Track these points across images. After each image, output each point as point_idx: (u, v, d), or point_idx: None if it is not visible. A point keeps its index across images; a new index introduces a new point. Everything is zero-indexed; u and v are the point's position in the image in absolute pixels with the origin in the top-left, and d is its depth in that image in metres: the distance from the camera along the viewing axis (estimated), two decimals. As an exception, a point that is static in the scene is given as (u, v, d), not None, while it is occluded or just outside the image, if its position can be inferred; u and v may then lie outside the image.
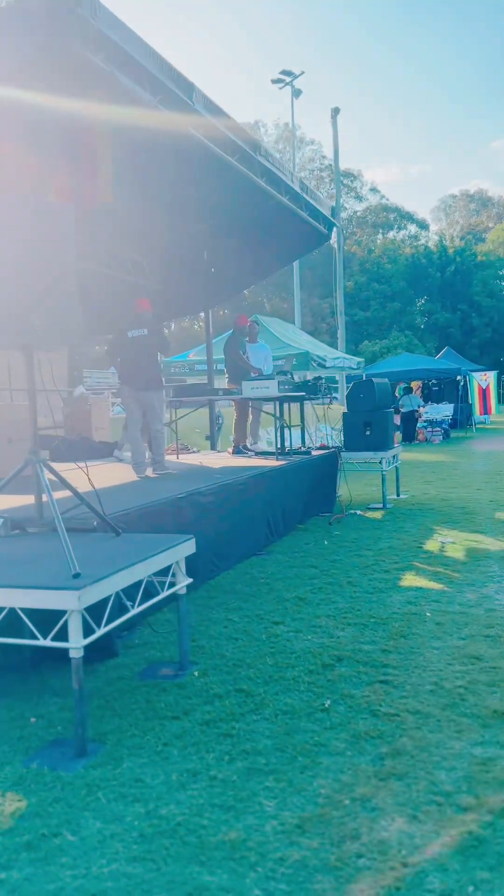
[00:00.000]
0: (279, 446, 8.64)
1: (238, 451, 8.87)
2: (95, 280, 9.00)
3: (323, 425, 15.97)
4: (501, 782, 2.65)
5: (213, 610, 4.97)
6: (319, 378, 8.93)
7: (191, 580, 3.95)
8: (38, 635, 3.00)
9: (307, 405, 9.26)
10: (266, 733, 3.10)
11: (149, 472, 6.89)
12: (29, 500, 4.24)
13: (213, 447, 10.45)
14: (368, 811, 2.51)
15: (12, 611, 2.99)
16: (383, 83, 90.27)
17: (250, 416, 9.16)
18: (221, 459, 8.54)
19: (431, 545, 6.68)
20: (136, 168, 6.62)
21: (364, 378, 18.53)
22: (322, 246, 10.29)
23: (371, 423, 8.85)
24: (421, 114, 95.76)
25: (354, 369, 16.09)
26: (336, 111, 36.01)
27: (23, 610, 2.99)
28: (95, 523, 4.11)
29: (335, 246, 34.08)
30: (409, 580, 5.50)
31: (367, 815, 2.48)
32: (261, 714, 3.29)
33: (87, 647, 4.11)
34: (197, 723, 3.23)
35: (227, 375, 8.81)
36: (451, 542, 6.74)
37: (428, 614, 4.63)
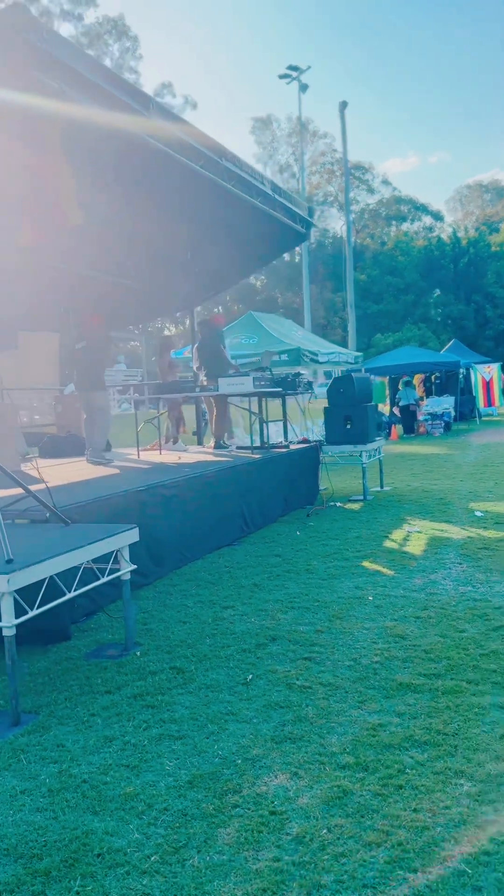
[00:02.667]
0: (262, 441, 8.91)
1: (219, 445, 9.12)
2: (82, 282, 9.32)
3: (320, 420, 16.15)
4: (384, 745, 2.89)
5: (172, 596, 5.25)
6: (299, 374, 9.12)
7: (134, 566, 4.21)
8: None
9: (293, 400, 9.49)
10: (186, 704, 3.37)
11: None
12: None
13: (199, 442, 10.72)
14: (256, 769, 2.76)
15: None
16: (401, 73, 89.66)
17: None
18: (200, 454, 8.80)
19: (397, 534, 6.89)
20: (111, 176, 6.90)
21: (363, 372, 18.70)
22: (300, 244, 10.50)
23: (351, 416, 9.06)
24: (440, 103, 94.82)
25: (352, 364, 16.23)
26: (344, 105, 36.12)
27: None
28: (48, 515, 4.40)
29: (345, 240, 34.19)
30: (365, 567, 5.72)
31: (253, 773, 2.74)
32: (186, 688, 3.56)
33: (40, 631, 4.39)
34: (126, 696, 3.50)
35: (203, 372, 9.05)
36: (417, 532, 6.95)
37: (370, 598, 4.86)
